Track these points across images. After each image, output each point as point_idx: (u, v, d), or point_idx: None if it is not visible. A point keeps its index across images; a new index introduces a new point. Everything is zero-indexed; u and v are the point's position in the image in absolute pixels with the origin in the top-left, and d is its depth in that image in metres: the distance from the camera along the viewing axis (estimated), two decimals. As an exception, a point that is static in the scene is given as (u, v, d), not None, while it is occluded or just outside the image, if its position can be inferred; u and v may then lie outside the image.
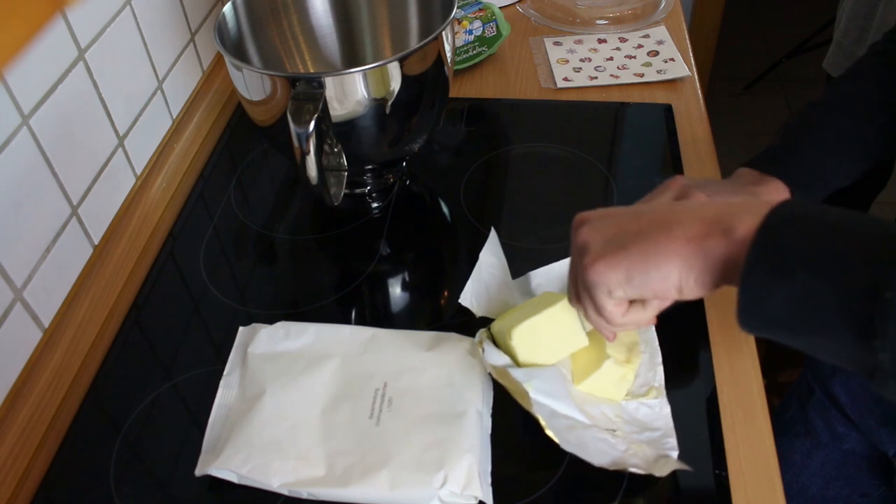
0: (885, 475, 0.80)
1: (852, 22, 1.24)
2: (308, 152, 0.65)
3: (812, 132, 0.69)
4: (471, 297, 0.70)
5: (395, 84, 0.70)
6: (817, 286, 0.40)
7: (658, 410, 0.61)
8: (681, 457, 0.58)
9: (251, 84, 0.71)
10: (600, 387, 0.61)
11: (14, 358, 0.67)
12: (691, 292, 0.47)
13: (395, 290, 0.76)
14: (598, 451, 0.57)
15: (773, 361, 0.97)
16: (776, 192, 0.66)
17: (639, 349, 0.63)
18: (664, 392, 0.62)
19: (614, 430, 0.59)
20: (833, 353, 0.41)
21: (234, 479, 0.58)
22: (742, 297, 0.42)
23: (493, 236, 0.74)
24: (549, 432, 0.55)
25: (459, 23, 1.00)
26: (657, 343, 0.65)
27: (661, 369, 0.63)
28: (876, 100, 0.70)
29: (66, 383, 0.69)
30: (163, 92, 0.90)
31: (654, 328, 0.66)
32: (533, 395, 0.58)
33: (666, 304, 0.53)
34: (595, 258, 0.49)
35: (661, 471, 0.56)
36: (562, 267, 0.70)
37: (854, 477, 0.85)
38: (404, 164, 0.88)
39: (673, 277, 0.46)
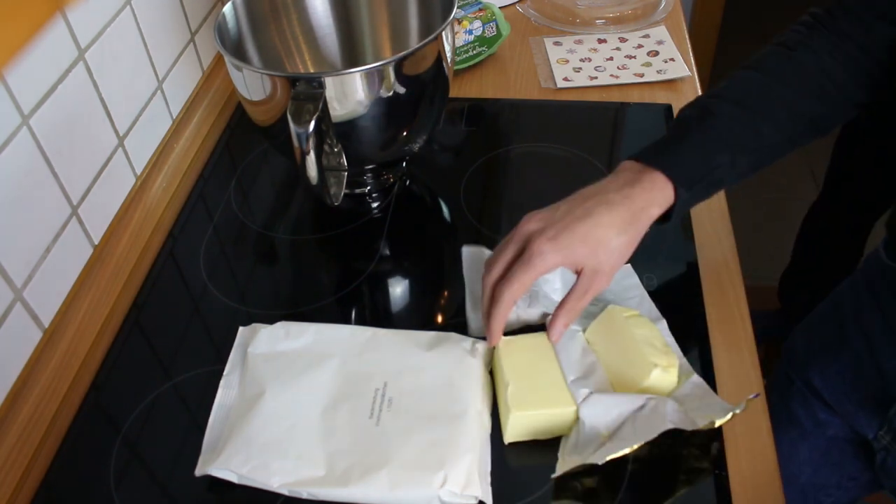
0: (868, 458, 0.81)
1: None
2: (308, 152, 0.65)
3: (703, 124, 0.65)
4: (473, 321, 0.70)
5: (395, 84, 0.70)
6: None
7: (696, 384, 0.61)
8: (682, 457, 0.58)
9: (251, 84, 0.71)
10: (655, 392, 0.61)
11: (14, 358, 0.67)
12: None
13: (395, 290, 0.76)
14: (659, 420, 0.57)
15: (773, 362, 0.99)
16: (656, 187, 0.63)
17: (670, 349, 0.62)
18: (692, 370, 0.63)
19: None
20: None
21: (234, 479, 0.58)
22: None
23: (464, 255, 0.75)
24: (620, 453, 0.56)
25: (459, 23, 1.00)
26: (672, 338, 0.66)
27: (683, 359, 0.64)
28: (775, 95, 0.65)
29: (66, 383, 0.69)
30: (163, 92, 0.90)
31: (666, 326, 0.66)
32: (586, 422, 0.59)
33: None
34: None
35: (722, 416, 0.57)
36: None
37: (840, 463, 0.86)
38: (404, 164, 0.88)
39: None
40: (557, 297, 0.69)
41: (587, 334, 0.66)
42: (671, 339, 0.66)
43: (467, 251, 0.75)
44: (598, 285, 0.62)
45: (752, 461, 0.59)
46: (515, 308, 0.67)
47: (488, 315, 0.63)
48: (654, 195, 0.62)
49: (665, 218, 0.64)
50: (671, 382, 0.61)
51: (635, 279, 0.72)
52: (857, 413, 0.79)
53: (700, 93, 0.98)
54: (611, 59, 1.03)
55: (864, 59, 0.64)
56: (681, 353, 0.65)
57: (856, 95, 0.66)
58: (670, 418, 0.57)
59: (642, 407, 0.59)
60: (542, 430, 0.60)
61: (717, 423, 0.57)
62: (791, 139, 0.66)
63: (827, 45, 0.66)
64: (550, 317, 0.64)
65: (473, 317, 0.70)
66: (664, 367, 0.60)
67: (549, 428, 0.60)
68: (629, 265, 0.72)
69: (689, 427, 0.56)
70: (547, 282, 0.70)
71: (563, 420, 0.60)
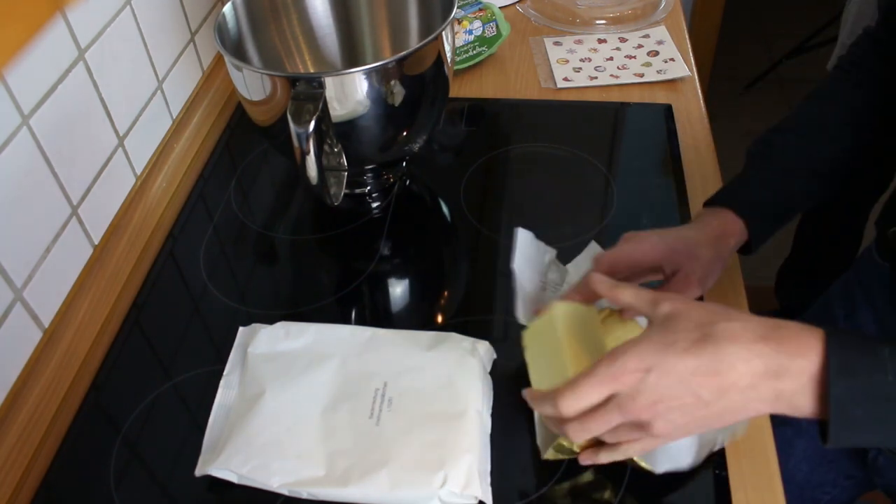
0: (863, 457, 0.82)
1: (858, 24, 1.24)
2: (308, 152, 0.65)
3: (767, 159, 0.69)
4: (521, 313, 0.66)
5: (395, 84, 0.70)
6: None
7: None
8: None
9: (251, 84, 0.71)
10: None
11: (14, 358, 0.67)
12: None
13: (395, 290, 0.76)
14: (683, 451, 0.57)
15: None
16: (728, 223, 0.65)
17: None
18: None
19: None
20: None
21: (234, 479, 0.58)
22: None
23: (520, 237, 0.69)
24: (643, 464, 0.56)
25: (459, 23, 1.00)
26: None
27: None
28: (840, 119, 0.69)
29: (66, 383, 0.69)
30: (163, 92, 0.90)
31: None
32: None
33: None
34: (662, 434, 0.49)
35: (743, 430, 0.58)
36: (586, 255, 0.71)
37: (836, 461, 0.87)
38: (404, 164, 0.88)
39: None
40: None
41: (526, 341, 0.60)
42: None
43: (524, 235, 0.68)
44: (689, 290, 0.62)
45: (753, 461, 0.59)
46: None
47: (617, 291, 0.56)
48: (727, 228, 0.65)
49: (747, 250, 0.68)
50: None
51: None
52: None
53: (700, 93, 0.98)
54: (611, 59, 1.03)
55: None
56: None
57: None
58: (673, 452, 0.57)
59: None
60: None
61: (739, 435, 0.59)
62: (855, 156, 0.69)
63: (878, 61, 0.69)
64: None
65: (521, 306, 0.66)
66: None
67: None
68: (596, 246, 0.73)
69: (689, 464, 0.57)
70: (578, 267, 0.70)
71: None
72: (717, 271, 0.64)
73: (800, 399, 0.46)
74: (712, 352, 0.46)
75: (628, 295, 0.53)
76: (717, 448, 0.58)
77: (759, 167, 0.69)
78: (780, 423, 0.88)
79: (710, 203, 0.68)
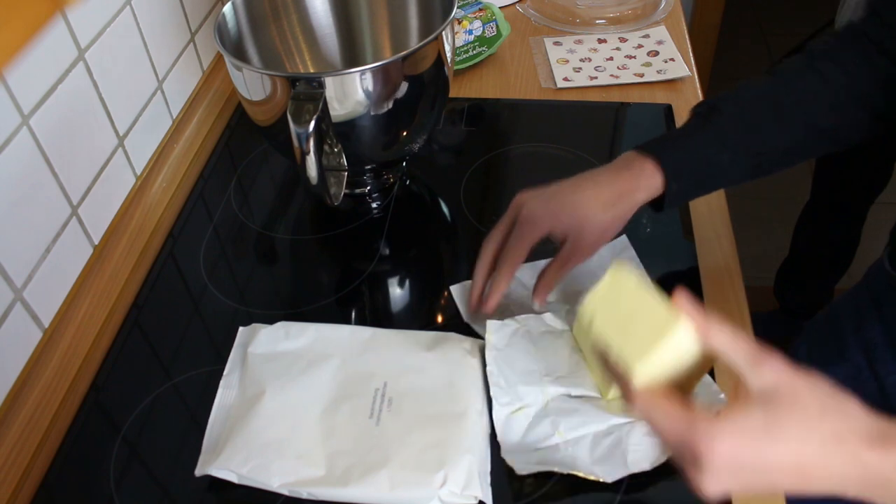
0: None
1: None
2: (308, 152, 0.65)
3: (706, 121, 0.65)
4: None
5: (395, 84, 0.70)
6: None
7: None
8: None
9: (251, 84, 0.71)
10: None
11: (14, 358, 0.67)
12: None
13: (395, 290, 0.76)
14: (641, 457, 0.57)
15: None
16: (644, 174, 0.63)
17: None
18: None
19: None
20: None
21: (234, 479, 0.58)
22: None
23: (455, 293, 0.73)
24: (592, 477, 0.56)
25: (459, 23, 1.00)
26: None
27: None
28: (787, 101, 0.64)
29: (66, 383, 0.69)
30: (163, 92, 0.90)
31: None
32: (564, 442, 0.59)
33: None
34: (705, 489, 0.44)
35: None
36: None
37: None
38: (404, 164, 0.88)
39: None
40: (549, 298, 0.70)
41: (575, 331, 0.65)
42: None
43: (456, 288, 0.73)
44: (579, 257, 0.65)
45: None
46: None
47: (493, 282, 0.66)
48: (640, 181, 0.63)
49: (658, 206, 0.65)
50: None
51: (632, 252, 0.73)
52: None
53: (700, 93, 0.98)
54: (611, 59, 1.03)
55: (894, 69, 0.64)
56: None
57: (880, 107, 0.65)
58: (631, 458, 0.57)
59: (608, 434, 0.59)
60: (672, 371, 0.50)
61: None
62: (803, 148, 0.66)
63: (855, 55, 0.65)
64: (534, 285, 0.67)
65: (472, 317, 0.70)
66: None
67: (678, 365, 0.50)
68: (625, 236, 0.75)
69: (648, 466, 0.57)
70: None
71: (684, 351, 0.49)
72: (614, 231, 0.64)
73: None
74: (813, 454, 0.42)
75: (725, 344, 0.46)
76: None
77: (697, 128, 0.65)
78: None
79: (638, 148, 0.65)
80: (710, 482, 0.43)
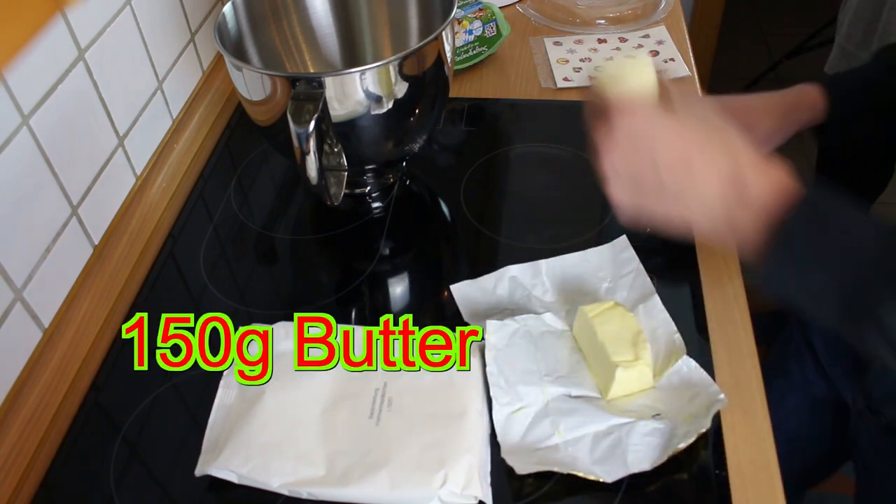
0: (845, 426, 0.85)
1: (855, 26, 1.24)
2: (308, 152, 0.65)
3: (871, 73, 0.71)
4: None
5: (395, 84, 0.70)
6: (825, 284, 0.46)
7: (687, 369, 0.62)
8: (682, 457, 0.58)
9: (251, 84, 0.71)
10: (626, 388, 0.62)
11: (14, 358, 0.67)
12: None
13: (395, 290, 0.76)
14: (641, 457, 0.57)
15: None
16: (803, 96, 0.67)
17: (643, 338, 0.62)
18: (684, 349, 0.63)
19: (658, 414, 0.60)
20: (828, 327, 0.49)
21: (234, 479, 0.58)
22: (760, 282, 0.49)
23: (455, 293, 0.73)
24: (591, 477, 0.57)
25: (459, 23, 1.00)
26: (665, 314, 0.66)
27: (676, 336, 0.64)
28: None
29: (66, 383, 0.69)
30: (163, 92, 0.90)
31: (659, 301, 0.67)
32: (563, 442, 0.59)
33: None
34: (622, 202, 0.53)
35: (705, 425, 0.57)
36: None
37: (822, 422, 0.92)
38: (404, 164, 0.88)
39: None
40: (549, 298, 0.71)
41: (574, 331, 0.66)
42: (664, 315, 0.66)
43: (456, 288, 0.73)
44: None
45: (753, 461, 0.59)
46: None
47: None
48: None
49: (823, 135, 0.71)
50: (641, 374, 0.61)
51: (631, 252, 0.73)
52: (842, 378, 0.84)
53: (700, 93, 0.98)
54: (611, 59, 1.03)
55: None
56: (674, 329, 0.65)
57: None
58: (631, 458, 0.57)
59: (608, 434, 0.59)
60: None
61: (703, 430, 0.58)
62: None
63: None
64: None
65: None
66: (628, 362, 0.60)
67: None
68: (625, 237, 0.74)
69: (648, 466, 0.57)
70: (537, 286, 0.72)
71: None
72: (776, 142, 0.66)
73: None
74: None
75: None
76: (682, 446, 0.57)
77: (863, 71, 0.70)
78: (777, 377, 0.95)
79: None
80: (613, 190, 0.52)
